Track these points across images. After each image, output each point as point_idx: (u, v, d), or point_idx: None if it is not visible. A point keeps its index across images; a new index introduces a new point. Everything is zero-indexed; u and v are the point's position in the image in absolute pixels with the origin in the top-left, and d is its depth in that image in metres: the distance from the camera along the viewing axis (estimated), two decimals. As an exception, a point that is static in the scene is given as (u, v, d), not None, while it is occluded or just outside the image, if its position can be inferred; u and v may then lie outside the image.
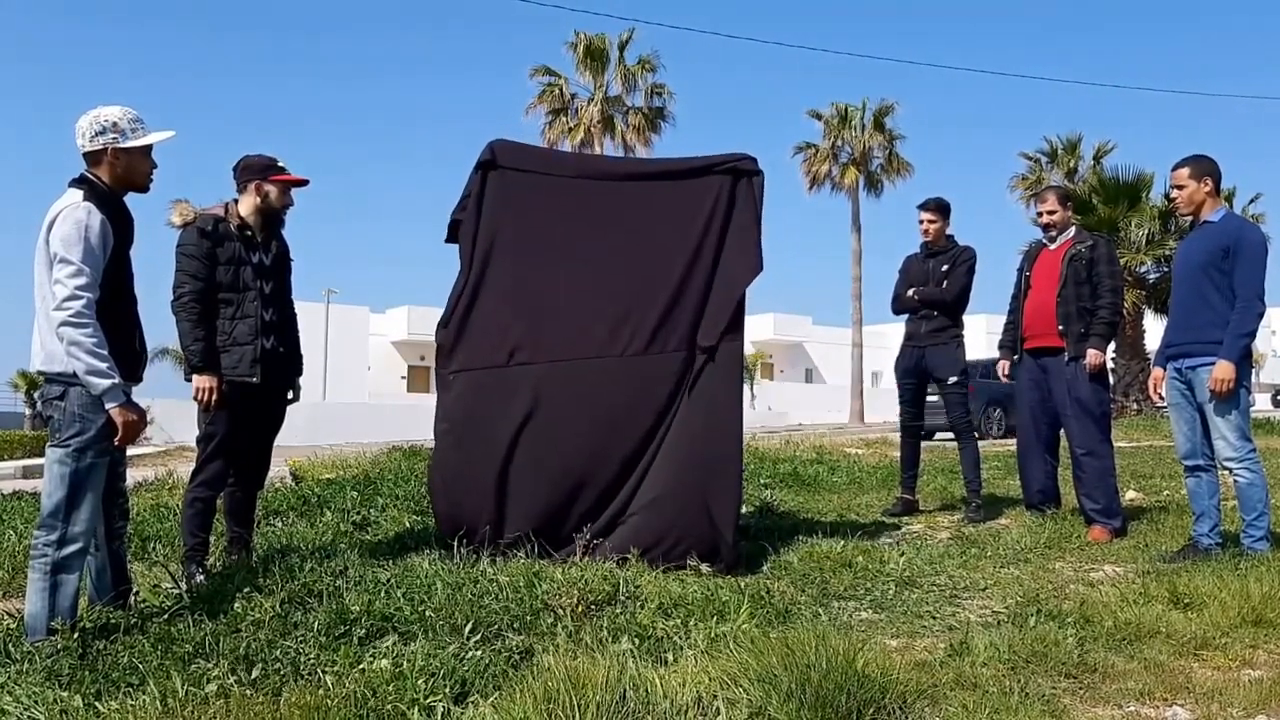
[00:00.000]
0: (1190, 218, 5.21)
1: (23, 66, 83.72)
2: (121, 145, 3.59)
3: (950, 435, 7.27)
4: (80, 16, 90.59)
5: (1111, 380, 15.45)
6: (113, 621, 3.54)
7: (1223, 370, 4.80)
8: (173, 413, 26.30)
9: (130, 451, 4.05)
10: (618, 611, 3.80)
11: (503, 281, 5.05)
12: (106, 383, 3.42)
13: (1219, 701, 3.00)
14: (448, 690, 2.91)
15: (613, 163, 5.48)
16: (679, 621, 3.67)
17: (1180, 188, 5.08)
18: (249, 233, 4.63)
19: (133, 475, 7.65)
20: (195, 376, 4.49)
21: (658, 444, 4.92)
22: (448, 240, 5.23)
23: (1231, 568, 4.50)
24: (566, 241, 5.12)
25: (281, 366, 4.76)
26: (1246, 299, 4.83)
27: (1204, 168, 5.03)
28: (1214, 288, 4.89)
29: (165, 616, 3.64)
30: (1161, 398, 5.27)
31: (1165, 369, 5.22)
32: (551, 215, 5.15)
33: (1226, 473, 5.06)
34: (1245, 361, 4.88)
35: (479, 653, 3.23)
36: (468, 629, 3.44)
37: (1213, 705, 2.98)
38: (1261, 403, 48.28)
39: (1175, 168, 5.10)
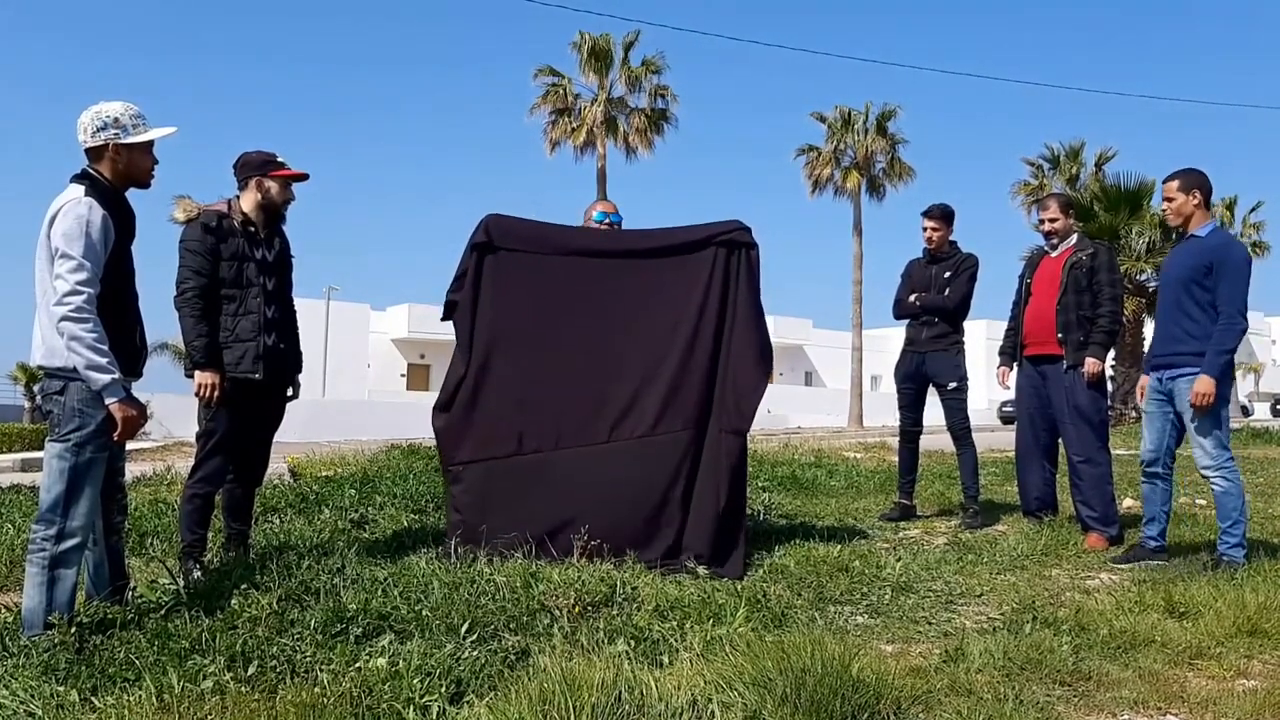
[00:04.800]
0: (1179, 229, 5.30)
1: (24, 61, 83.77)
2: (123, 141, 3.59)
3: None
4: (83, 7, 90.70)
5: (1110, 388, 15.47)
6: (110, 617, 3.53)
7: (1204, 385, 4.89)
8: (172, 408, 26.31)
9: (129, 446, 4.05)
10: (614, 613, 3.81)
11: (506, 368, 5.02)
12: (106, 378, 3.42)
13: (1213, 711, 3.01)
14: (443, 690, 2.92)
15: (609, 238, 5.39)
16: (675, 624, 3.67)
17: (1170, 200, 5.19)
18: (252, 229, 4.64)
19: (131, 470, 7.65)
20: (197, 372, 4.49)
21: (673, 519, 4.94)
22: (444, 319, 5.21)
23: (1227, 577, 4.52)
24: (567, 323, 5.10)
25: (282, 363, 4.75)
26: (1229, 315, 4.92)
27: (1194, 181, 5.13)
28: (1194, 302, 5.00)
29: (162, 612, 3.62)
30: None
31: (1150, 378, 5.33)
32: (551, 297, 5.12)
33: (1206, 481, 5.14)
34: (1226, 376, 4.96)
35: (475, 653, 3.23)
36: (464, 629, 3.44)
37: (1206, 715, 2.99)
38: (1261, 412, 48.31)
39: (1166, 180, 5.23)
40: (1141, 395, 5.40)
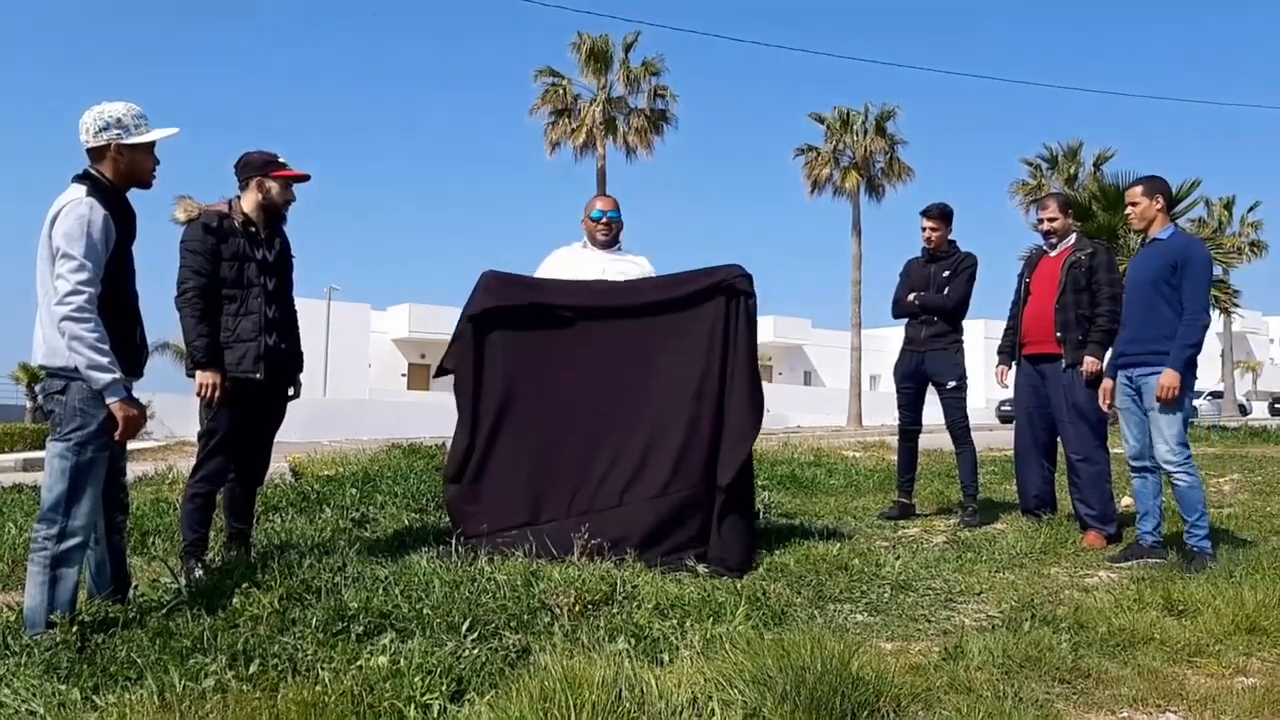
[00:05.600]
0: (1142, 233, 5.50)
1: (24, 58, 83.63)
2: (125, 141, 3.60)
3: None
4: (85, 10, 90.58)
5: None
6: (111, 616, 3.54)
7: (1169, 379, 5.05)
8: (173, 407, 26.31)
9: (130, 446, 4.06)
10: (614, 611, 3.80)
11: (513, 436, 5.00)
12: (107, 377, 3.43)
13: (1212, 709, 3.01)
14: (444, 688, 2.92)
15: (609, 293, 5.25)
16: (675, 622, 3.67)
17: (1135, 204, 5.38)
18: (253, 229, 4.63)
19: (133, 470, 7.64)
20: (199, 372, 4.49)
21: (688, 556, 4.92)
22: (436, 376, 5.17)
23: (1226, 575, 4.53)
24: (571, 386, 5.06)
25: (283, 363, 4.75)
26: (1193, 312, 5.10)
27: (1156, 187, 5.35)
28: (1164, 301, 5.17)
29: (164, 611, 3.64)
30: (1111, 406, 5.57)
31: (1117, 379, 5.48)
32: (553, 360, 5.09)
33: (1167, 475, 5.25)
34: (1190, 371, 5.12)
35: (476, 651, 3.23)
36: (465, 627, 3.44)
37: (1206, 713, 2.99)
38: (1259, 410, 48.32)
39: (1129, 186, 5.47)
40: (1105, 399, 5.60)
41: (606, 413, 5.04)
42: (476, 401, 5.02)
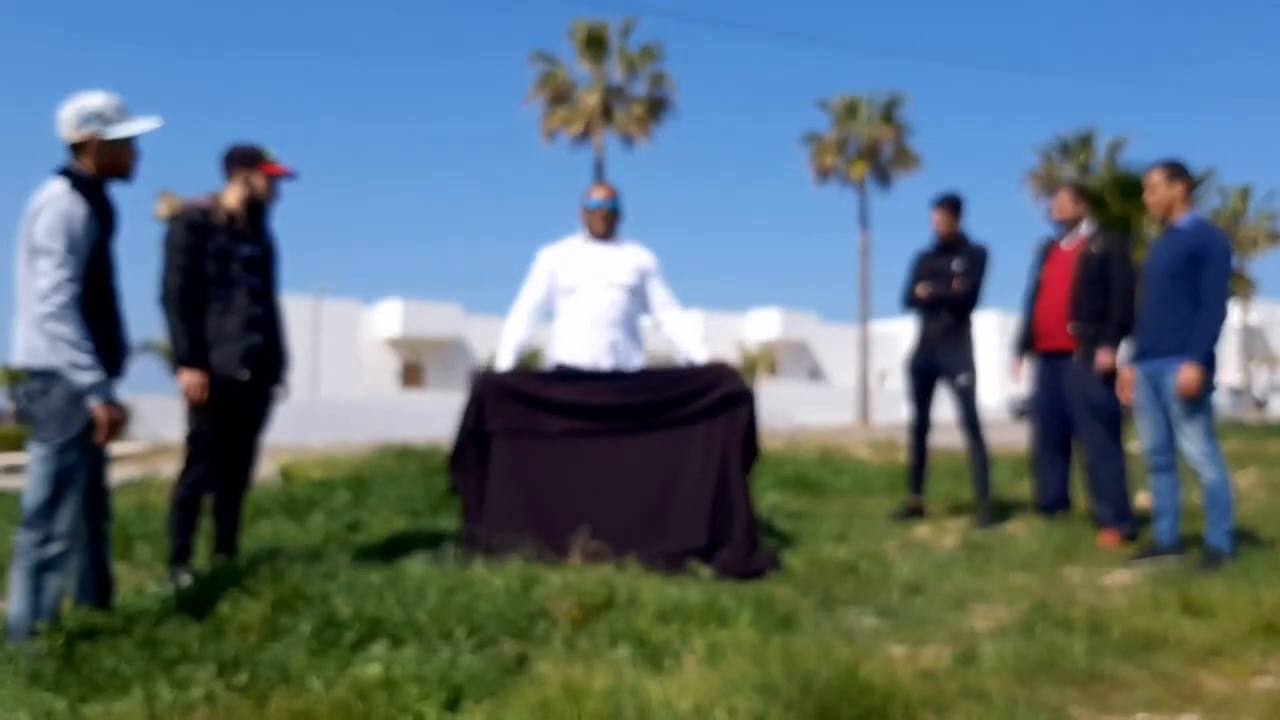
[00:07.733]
0: (1161, 221, 5.40)
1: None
2: (106, 136, 3.55)
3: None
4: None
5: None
6: (97, 624, 3.50)
7: (1189, 374, 4.94)
8: (156, 410, 26.13)
9: (114, 450, 4.01)
10: (615, 617, 3.74)
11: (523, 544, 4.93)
12: (90, 377, 3.38)
13: (1229, 711, 2.96)
14: (440, 698, 2.87)
15: (609, 394, 5.29)
16: (678, 628, 3.60)
17: (1154, 190, 5.28)
18: (237, 225, 4.56)
19: (117, 474, 7.57)
20: (183, 373, 4.42)
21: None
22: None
23: (1243, 574, 4.46)
24: (575, 510, 5.00)
25: (269, 363, 4.69)
26: (1212, 304, 5.00)
27: (1176, 172, 5.24)
28: (1181, 292, 5.07)
29: (151, 620, 3.59)
30: (1130, 400, 5.48)
31: (1134, 371, 5.40)
32: (552, 470, 5.10)
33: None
34: (1210, 364, 5.02)
35: (472, 659, 3.17)
36: (461, 635, 3.39)
37: (1222, 715, 2.95)
38: (1278, 405, 48.09)
39: (1149, 171, 5.33)
40: (1125, 390, 5.48)
41: (613, 535, 4.91)
42: (479, 519, 5.04)
